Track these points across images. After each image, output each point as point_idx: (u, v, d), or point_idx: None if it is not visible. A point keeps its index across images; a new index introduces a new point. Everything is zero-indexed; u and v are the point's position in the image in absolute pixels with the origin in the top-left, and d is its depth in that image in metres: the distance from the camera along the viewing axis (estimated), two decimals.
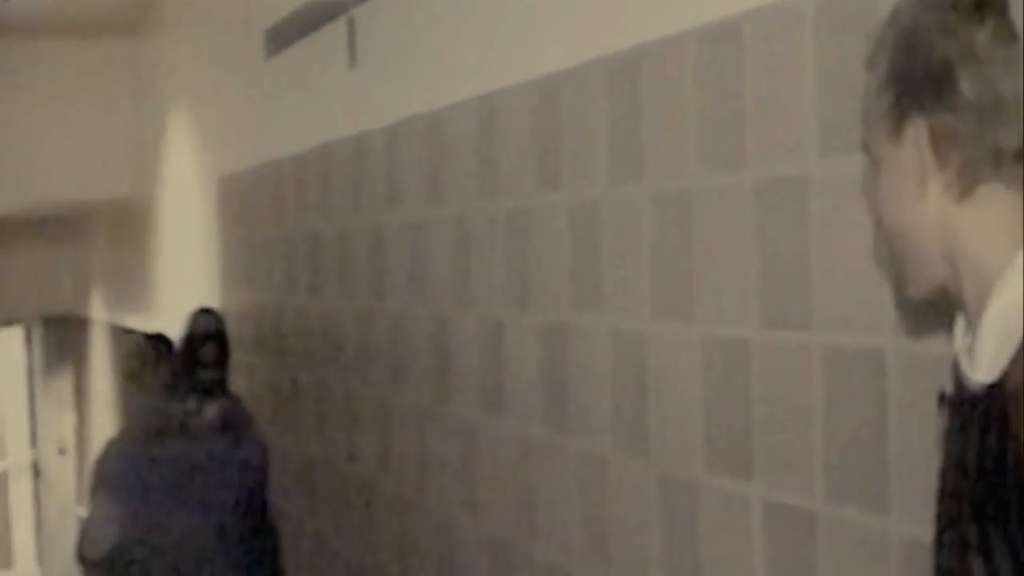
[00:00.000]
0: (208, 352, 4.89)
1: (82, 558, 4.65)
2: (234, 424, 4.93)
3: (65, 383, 13.74)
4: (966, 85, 1.50)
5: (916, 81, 1.53)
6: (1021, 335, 1.40)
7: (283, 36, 5.16)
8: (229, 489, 4.76)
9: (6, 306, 12.75)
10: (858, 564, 2.15)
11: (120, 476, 4.65)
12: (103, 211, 10.40)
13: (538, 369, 3.18)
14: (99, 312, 11.08)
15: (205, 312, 5.06)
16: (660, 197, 2.67)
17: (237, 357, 5.99)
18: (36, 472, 14.88)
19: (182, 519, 4.64)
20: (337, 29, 4.51)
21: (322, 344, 4.84)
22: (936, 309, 1.66)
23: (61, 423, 13.87)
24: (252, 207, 5.78)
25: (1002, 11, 1.52)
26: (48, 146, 8.88)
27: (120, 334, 9.67)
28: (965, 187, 1.51)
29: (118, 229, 9.95)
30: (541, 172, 3.14)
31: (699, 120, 2.54)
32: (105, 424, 10.86)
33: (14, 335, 15.53)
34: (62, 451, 13.90)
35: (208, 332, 4.92)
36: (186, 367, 4.90)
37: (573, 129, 3.00)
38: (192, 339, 4.93)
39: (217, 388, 4.92)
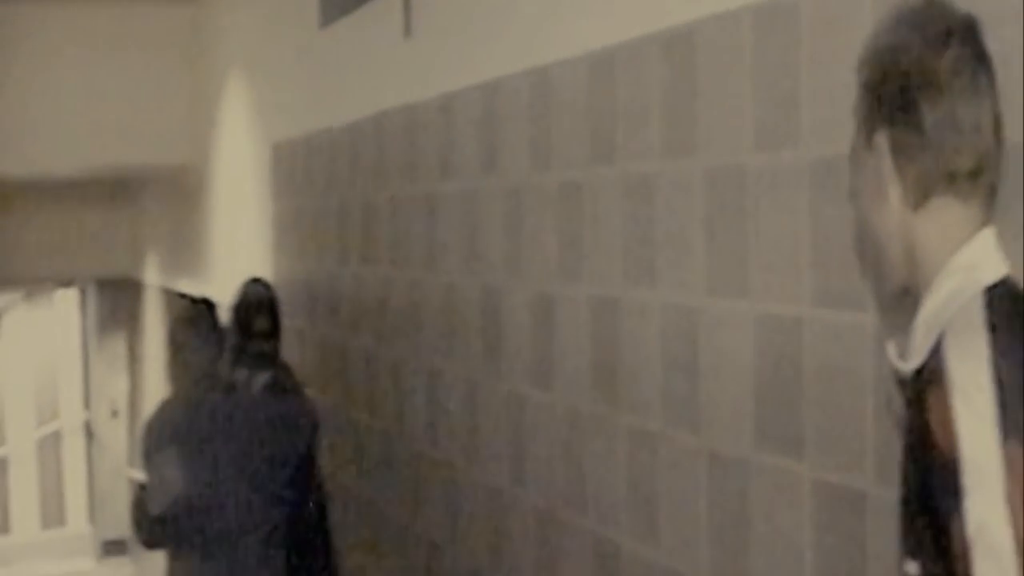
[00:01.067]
0: (260, 323, 4.93)
1: (143, 514, 4.71)
2: (284, 390, 4.98)
3: (118, 346, 13.88)
4: (926, 108, 1.65)
5: (885, 97, 1.68)
6: (939, 330, 1.59)
7: (338, 5, 5.17)
8: (279, 450, 4.81)
9: (62, 268, 12.88)
10: None
11: (176, 435, 4.71)
12: (158, 176, 10.48)
13: (589, 342, 3.19)
14: (153, 276, 11.18)
15: (256, 282, 5.09)
16: (713, 172, 2.66)
17: (288, 324, 6.03)
18: (89, 433, 15.04)
19: (234, 478, 4.69)
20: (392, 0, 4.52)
21: (373, 313, 4.86)
22: (903, 306, 1.74)
23: (114, 385, 14.02)
24: (305, 174, 5.81)
25: (969, 41, 1.67)
26: (105, 110, 8.95)
27: (174, 298, 9.75)
28: (919, 198, 1.68)
29: (172, 194, 10.02)
30: (595, 145, 3.14)
31: (754, 96, 2.53)
32: (157, 387, 10.96)
33: (69, 297, 15.69)
34: (114, 413, 14.05)
35: (260, 302, 4.96)
36: (238, 337, 4.94)
37: (627, 103, 2.99)
38: (244, 309, 4.97)
39: (268, 359, 4.96)
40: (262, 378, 4.90)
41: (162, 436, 4.72)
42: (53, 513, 16.22)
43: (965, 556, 1.50)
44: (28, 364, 16.14)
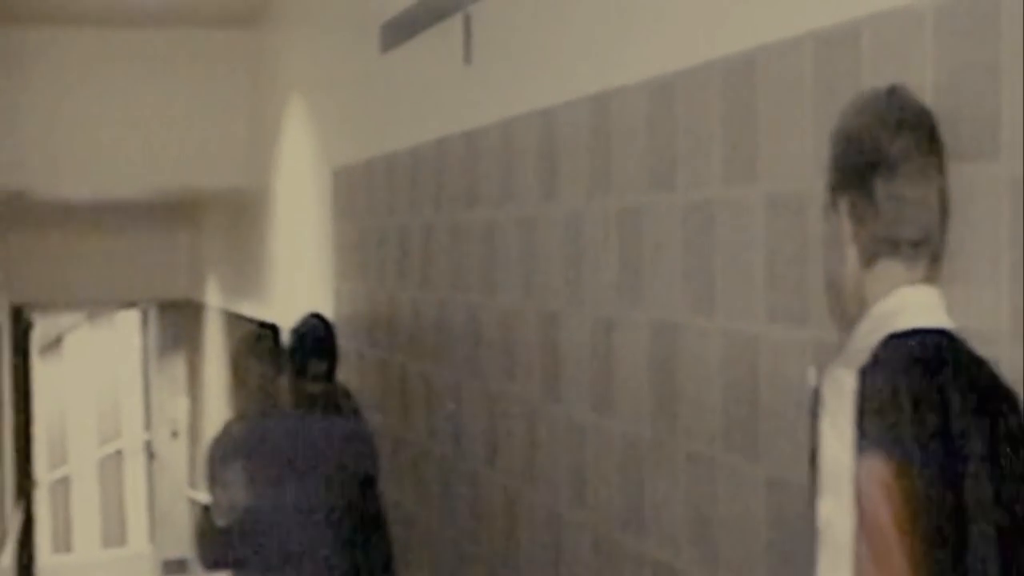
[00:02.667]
0: (316, 367, 4.95)
1: (208, 532, 4.77)
2: (342, 410, 5.02)
3: (179, 367, 14.01)
4: (879, 184, 1.98)
5: (847, 170, 2.01)
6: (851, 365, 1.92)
7: (399, 31, 5.22)
8: (340, 472, 4.86)
9: (124, 290, 13.03)
10: None
11: (241, 452, 4.79)
12: (219, 199, 10.59)
13: (648, 369, 3.19)
14: (213, 298, 11.28)
15: (315, 318, 5.11)
16: (774, 199, 2.67)
17: (347, 346, 6.08)
18: (150, 453, 15.19)
19: (296, 498, 4.75)
20: (453, 26, 4.56)
21: (432, 336, 4.89)
22: None
23: (174, 406, 14.14)
24: (365, 199, 5.85)
25: (922, 128, 1.98)
26: (167, 133, 9.06)
27: (234, 321, 9.84)
28: (869, 259, 2.02)
29: (233, 217, 10.12)
30: (654, 172, 3.16)
31: (815, 124, 2.53)
32: (217, 409, 11.06)
33: (131, 319, 15.86)
34: (175, 434, 14.18)
35: (317, 344, 4.98)
36: (294, 376, 4.97)
37: (687, 130, 3.00)
38: (300, 350, 4.99)
39: (320, 400, 4.97)
40: (303, 411, 4.93)
41: (227, 452, 4.81)
42: (114, 532, 16.38)
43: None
44: (90, 384, 16.33)
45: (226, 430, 5.00)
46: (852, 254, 2.03)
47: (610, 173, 3.39)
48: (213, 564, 4.85)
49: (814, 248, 2.54)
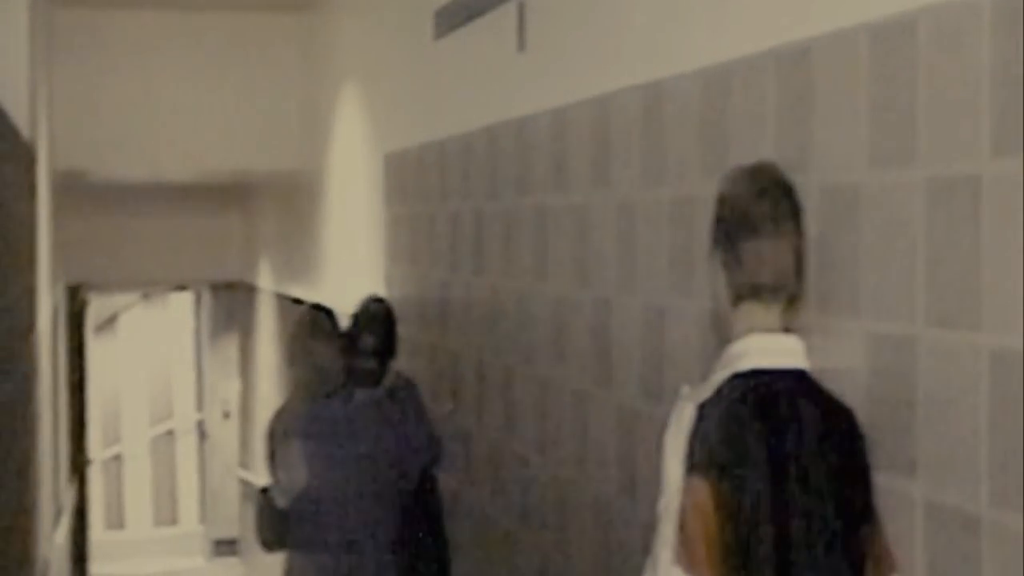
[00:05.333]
0: (367, 341, 4.98)
1: (266, 513, 4.81)
2: (399, 393, 5.05)
3: (231, 349, 14.11)
4: (743, 240, 2.43)
5: (721, 226, 2.47)
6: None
7: (453, 18, 5.23)
8: (398, 453, 4.89)
9: (177, 271, 13.14)
10: (1022, 572, 2.13)
11: (299, 431, 4.82)
12: (272, 182, 10.65)
13: (699, 357, 3.20)
14: (266, 281, 11.36)
15: (375, 301, 5.14)
16: (828, 190, 2.67)
17: (399, 331, 6.11)
18: (202, 434, 15.32)
19: (354, 481, 4.78)
20: (507, 13, 4.57)
21: (484, 322, 4.91)
22: None
23: (226, 388, 14.26)
24: (418, 184, 5.88)
25: (782, 198, 2.44)
26: (221, 116, 9.13)
27: (286, 303, 9.90)
28: (735, 301, 2.47)
29: (286, 200, 10.18)
30: (707, 161, 3.16)
31: (870, 115, 2.53)
32: (268, 391, 11.14)
33: (184, 300, 15.99)
34: (226, 415, 14.29)
35: (371, 321, 5.01)
36: (348, 352, 5.00)
37: (741, 119, 3.00)
38: (356, 326, 5.02)
39: (373, 376, 4.99)
40: (362, 395, 4.96)
41: (286, 432, 4.85)
42: (166, 511, 16.54)
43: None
44: (143, 364, 16.48)
45: (283, 409, 5.05)
46: (724, 296, 2.49)
47: (663, 162, 3.39)
48: (272, 545, 4.90)
49: (866, 239, 2.53)
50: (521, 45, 4.42)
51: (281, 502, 4.78)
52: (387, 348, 5.03)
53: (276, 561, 5.79)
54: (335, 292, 7.88)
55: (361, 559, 4.78)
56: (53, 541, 7.10)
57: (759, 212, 2.41)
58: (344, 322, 5.13)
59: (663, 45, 3.41)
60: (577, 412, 4.00)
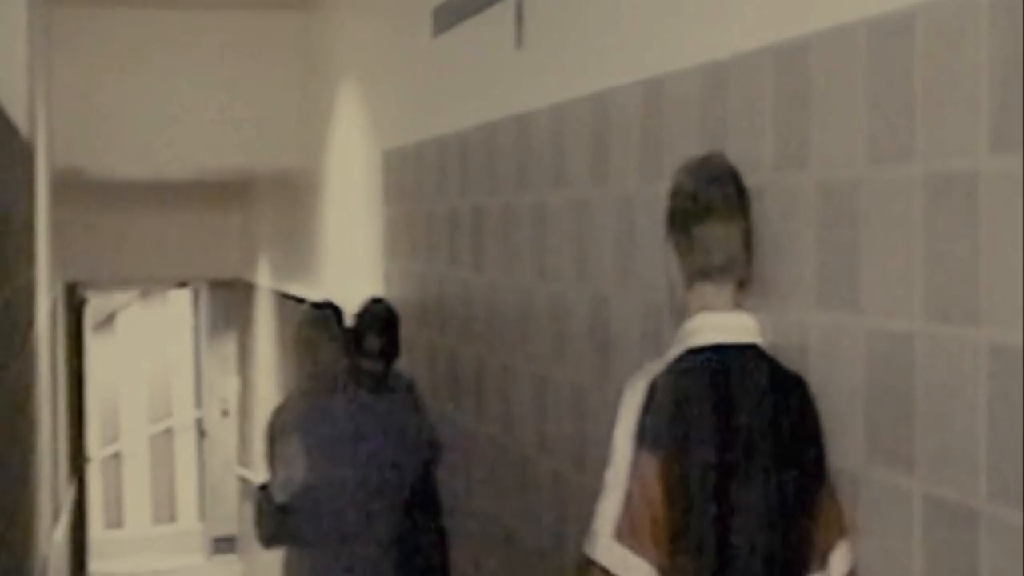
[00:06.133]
0: (371, 342, 4.97)
1: (265, 508, 4.81)
2: (399, 395, 5.05)
3: (230, 346, 14.12)
4: (695, 225, 2.57)
5: (675, 215, 2.62)
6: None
7: (450, 15, 5.23)
8: (398, 450, 4.90)
9: (176, 268, 13.14)
10: (1021, 566, 2.13)
11: (300, 426, 4.82)
12: (271, 179, 10.65)
13: None
14: (264, 278, 11.36)
15: (377, 302, 5.14)
16: (826, 186, 2.67)
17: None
18: (200, 431, 15.32)
19: (354, 477, 4.78)
20: (504, 10, 4.57)
21: (483, 319, 4.92)
22: None
23: (225, 385, 14.26)
24: (416, 181, 5.88)
25: (729, 184, 2.59)
26: (219, 114, 9.13)
27: (285, 301, 9.90)
28: (688, 282, 2.61)
29: (285, 198, 10.18)
30: None
31: (868, 111, 2.53)
32: (267, 388, 11.14)
33: (183, 297, 15.99)
34: (225, 412, 14.29)
35: (374, 322, 5.00)
36: (351, 354, 5.00)
37: (740, 115, 3.00)
38: (358, 327, 5.02)
39: (375, 379, 4.98)
40: (363, 396, 4.95)
41: (287, 426, 4.85)
42: (164, 509, 16.54)
43: None
44: (142, 362, 16.48)
45: (285, 404, 5.05)
46: (678, 279, 2.62)
47: (662, 158, 3.39)
48: (270, 541, 4.89)
49: (865, 235, 2.54)
50: (519, 42, 4.42)
51: (280, 497, 4.78)
52: (390, 351, 5.02)
53: (275, 558, 5.79)
54: (333, 289, 7.88)
55: (360, 555, 4.78)
56: (52, 539, 7.10)
57: (708, 199, 2.57)
58: (350, 321, 5.14)
59: (661, 41, 3.41)
60: (576, 409, 4.00)
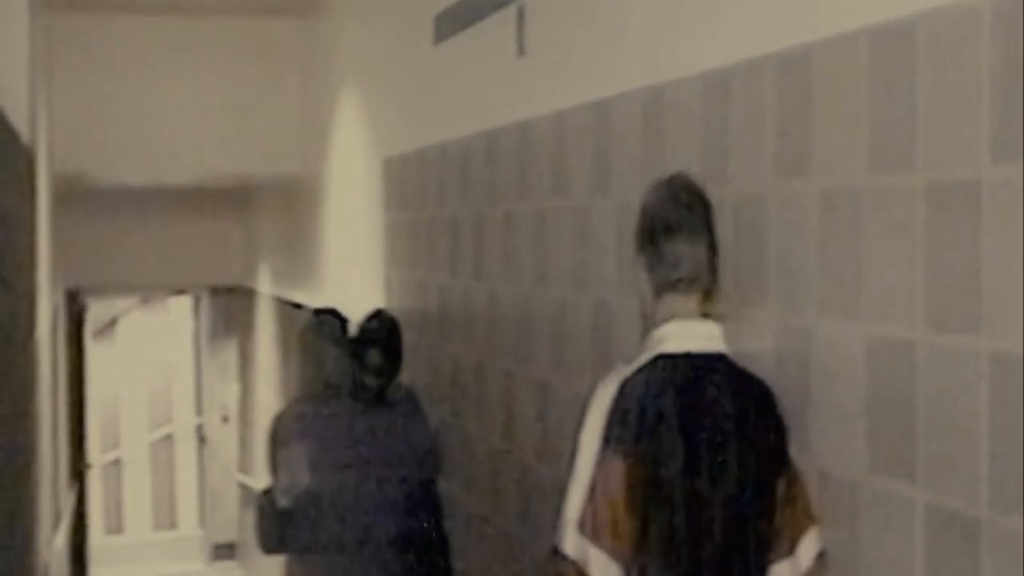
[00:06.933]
0: (372, 357, 4.97)
1: (266, 514, 4.81)
2: (400, 406, 5.05)
3: (230, 353, 14.10)
4: (662, 240, 2.73)
5: (643, 231, 2.76)
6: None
7: (452, 22, 5.23)
8: (400, 459, 4.90)
9: (176, 275, 13.13)
10: (1022, 574, 2.13)
11: (303, 432, 4.82)
12: (271, 187, 10.65)
13: None
14: (265, 285, 11.36)
15: (378, 316, 5.13)
16: (828, 194, 2.67)
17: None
18: (201, 438, 15.31)
19: (357, 483, 4.78)
20: (506, 18, 4.57)
21: (484, 326, 4.91)
22: None
23: (225, 392, 14.25)
24: (417, 188, 5.88)
25: (695, 202, 2.74)
26: (220, 121, 9.12)
27: (285, 308, 9.90)
28: (657, 293, 2.76)
29: (286, 205, 10.18)
30: (707, 165, 3.16)
31: (869, 120, 2.53)
32: (268, 395, 11.13)
33: (183, 304, 15.99)
34: (225, 419, 14.28)
35: (376, 337, 5.00)
36: (353, 368, 5.00)
37: (741, 123, 3.01)
38: (360, 341, 5.02)
39: (375, 394, 4.98)
40: (365, 406, 4.95)
41: (290, 431, 4.85)
42: (165, 515, 16.52)
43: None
44: (143, 369, 16.47)
45: (289, 409, 5.05)
46: (647, 290, 2.76)
47: (663, 165, 3.39)
48: (272, 547, 4.89)
49: (866, 243, 2.54)
50: (521, 50, 4.42)
51: (282, 502, 4.78)
52: (391, 369, 5.02)
53: (275, 564, 5.78)
54: (334, 296, 7.88)
55: (361, 562, 4.78)
56: (52, 546, 7.09)
57: (674, 216, 2.72)
58: (352, 329, 5.13)
59: (663, 49, 3.41)
60: (576, 416, 3.99)
